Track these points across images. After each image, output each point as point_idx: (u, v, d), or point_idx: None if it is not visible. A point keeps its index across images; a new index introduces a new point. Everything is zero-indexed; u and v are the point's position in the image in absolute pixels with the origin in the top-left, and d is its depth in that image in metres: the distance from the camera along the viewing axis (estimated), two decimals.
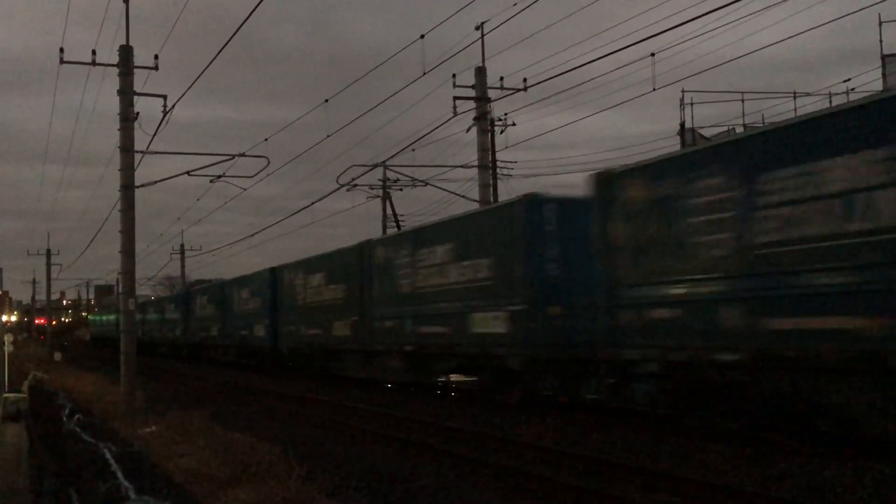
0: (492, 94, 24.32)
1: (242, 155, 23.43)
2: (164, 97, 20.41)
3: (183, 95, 22.71)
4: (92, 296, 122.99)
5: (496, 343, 17.46)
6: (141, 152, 21.21)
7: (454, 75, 23.88)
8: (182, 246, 67.27)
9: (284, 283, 31.55)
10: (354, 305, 24.59)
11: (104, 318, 78.52)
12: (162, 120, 20.52)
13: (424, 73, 21.77)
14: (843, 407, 10.76)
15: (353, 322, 24.59)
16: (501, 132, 29.48)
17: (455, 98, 23.98)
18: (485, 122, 24.95)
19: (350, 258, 25.33)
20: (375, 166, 33.50)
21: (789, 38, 40.01)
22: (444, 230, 20.11)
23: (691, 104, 29.88)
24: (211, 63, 18.43)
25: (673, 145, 30.52)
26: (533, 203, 16.88)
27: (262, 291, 33.94)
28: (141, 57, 20.48)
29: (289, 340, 31.03)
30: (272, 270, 33.28)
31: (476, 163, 24.99)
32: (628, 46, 17.56)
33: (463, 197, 29.34)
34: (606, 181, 14.42)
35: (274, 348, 32.67)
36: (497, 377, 18.06)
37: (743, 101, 30.03)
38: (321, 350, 28.19)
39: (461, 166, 32.49)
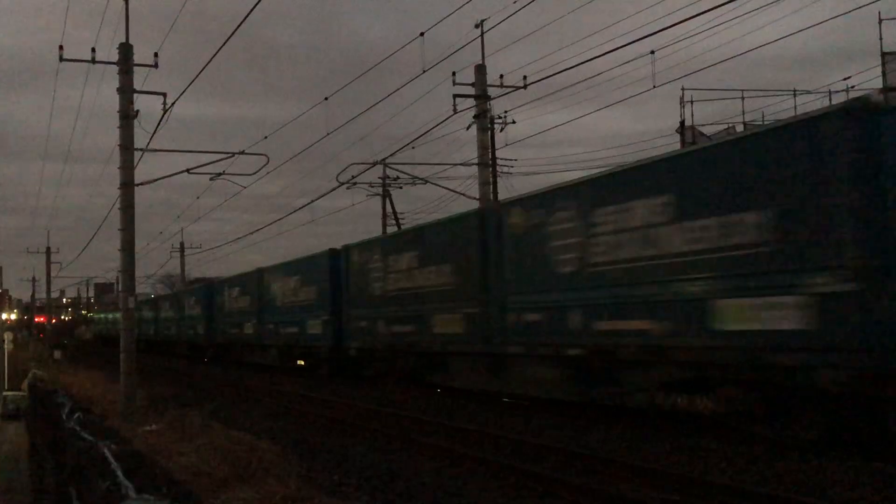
0: (492, 91, 24.34)
1: (242, 153, 23.40)
2: (164, 95, 20.40)
3: (183, 93, 22.79)
4: (92, 294, 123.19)
5: (777, 345, 10.95)
6: (141, 150, 21.17)
7: (454, 73, 23.90)
8: (182, 244, 67.39)
9: (353, 268, 24.99)
10: (471, 292, 18.33)
11: (109, 315, 74.39)
12: (162, 118, 20.50)
13: (424, 71, 21.78)
14: None
15: (470, 315, 18.36)
16: (501, 130, 29.60)
17: (455, 96, 24.00)
18: (485, 120, 24.96)
19: (463, 230, 19.11)
20: (375, 164, 33.56)
21: (789, 35, 40.05)
22: (650, 176, 13.27)
23: (691, 102, 29.93)
24: (211, 61, 18.41)
25: (673, 143, 30.55)
26: (859, 114, 10.30)
27: (319, 279, 27.80)
28: (140, 54, 20.45)
29: (360, 339, 24.49)
30: (333, 252, 27.19)
31: (476, 161, 25.00)
32: (628, 44, 17.61)
33: (463, 195, 29.39)
34: None
35: (336, 349, 26.55)
36: (771, 399, 11.77)
37: (743, 98, 30.09)
38: (414, 353, 21.53)
39: (461, 164, 32.51)
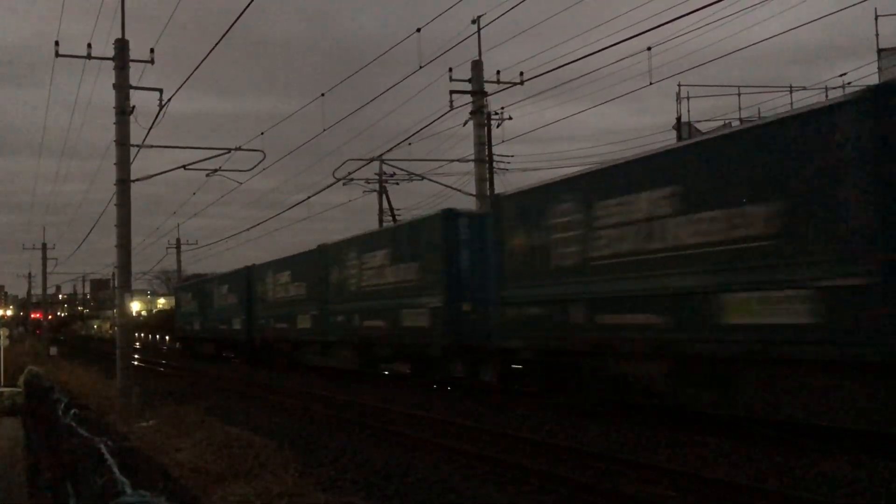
0: (488, 87, 24.34)
1: (239, 149, 23.36)
2: (160, 91, 20.35)
3: (179, 89, 22.73)
4: (88, 290, 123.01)
5: None
6: (137, 146, 21.15)
7: (451, 69, 23.88)
8: (178, 240, 67.07)
9: (507, 229, 16.82)
10: (836, 244, 10.12)
11: (190, 305, 47.67)
12: (158, 114, 20.45)
13: (421, 67, 21.75)
14: None
15: (831, 292, 10.11)
16: (498, 126, 29.61)
17: (452, 92, 23.98)
18: (481, 116, 24.94)
19: (805, 137, 10.49)
20: (372, 160, 33.45)
21: (786, 31, 40.05)
22: None
23: (688, 98, 29.96)
24: (207, 56, 18.41)
25: (670, 139, 30.57)
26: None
27: (424, 252, 21.08)
28: (137, 50, 20.40)
29: (521, 337, 16.26)
30: (449, 214, 20.40)
31: (473, 157, 24.98)
32: (625, 40, 17.61)
33: (460, 191, 29.34)
34: None
35: (452, 347, 19.61)
36: None
37: (739, 94, 30.14)
38: (664, 357, 12.82)
39: (458, 160, 32.46)
